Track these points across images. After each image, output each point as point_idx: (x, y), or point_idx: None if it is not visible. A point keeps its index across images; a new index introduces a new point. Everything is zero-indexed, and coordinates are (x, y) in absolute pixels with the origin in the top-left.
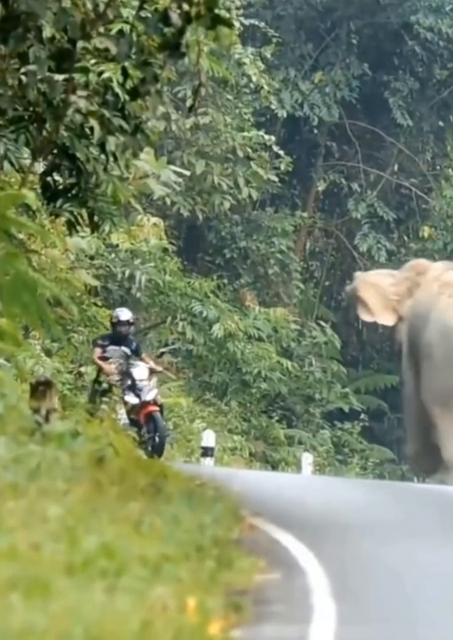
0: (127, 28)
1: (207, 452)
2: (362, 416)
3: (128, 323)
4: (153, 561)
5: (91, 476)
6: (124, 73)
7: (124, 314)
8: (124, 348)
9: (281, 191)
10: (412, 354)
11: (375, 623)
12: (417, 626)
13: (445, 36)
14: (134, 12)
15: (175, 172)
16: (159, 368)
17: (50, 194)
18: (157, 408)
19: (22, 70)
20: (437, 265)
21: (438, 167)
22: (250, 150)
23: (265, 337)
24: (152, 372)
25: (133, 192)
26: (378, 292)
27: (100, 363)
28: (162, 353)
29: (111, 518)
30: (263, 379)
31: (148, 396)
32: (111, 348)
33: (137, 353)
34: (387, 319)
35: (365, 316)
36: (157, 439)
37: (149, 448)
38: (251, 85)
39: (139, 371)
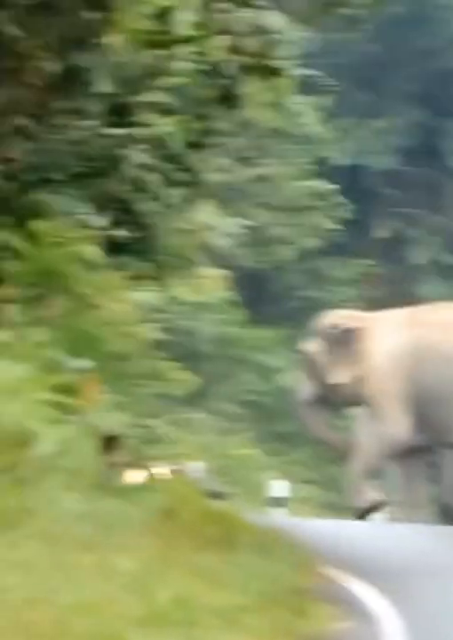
0: (184, 81)
1: (278, 502)
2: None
3: None
4: (227, 612)
5: (163, 529)
6: (182, 126)
7: None
8: None
9: (342, 240)
10: (422, 397)
11: None
12: None
13: None
14: (190, 66)
15: (236, 224)
16: None
17: (112, 248)
18: None
19: (81, 125)
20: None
21: None
22: (310, 200)
23: None
24: None
25: (195, 245)
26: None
27: None
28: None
29: (184, 570)
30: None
31: None
32: None
33: None
34: (339, 371)
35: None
36: None
37: None
38: (310, 135)
39: None
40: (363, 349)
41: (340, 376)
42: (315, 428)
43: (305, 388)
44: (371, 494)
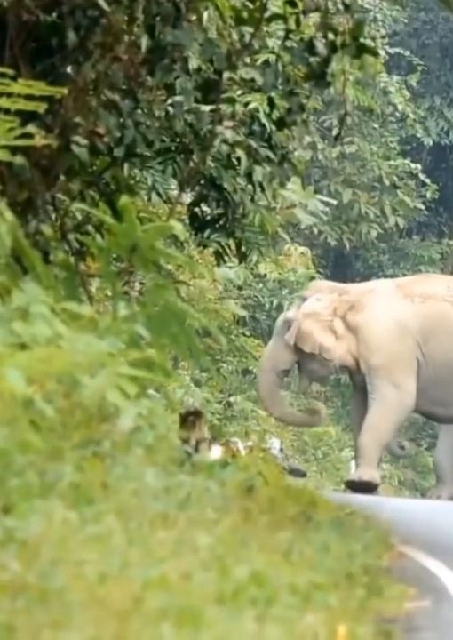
0: (273, 58)
1: None
2: None
3: None
4: (303, 589)
5: (241, 506)
6: (271, 103)
7: None
8: None
9: (427, 219)
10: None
11: None
12: None
13: None
14: (280, 43)
15: (322, 202)
16: None
17: (197, 225)
18: None
19: (169, 101)
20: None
21: None
22: (396, 179)
23: None
24: None
25: (280, 222)
26: (316, 319)
27: None
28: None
29: (261, 547)
30: None
31: None
32: None
33: None
34: (329, 341)
35: (308, 347)
36: None
37: None
38: (397, 114)
39: None
40: (358, 321)
41: (334, 346)
42: (272, 401)
43: (283, 356)
44: (374, 473)
